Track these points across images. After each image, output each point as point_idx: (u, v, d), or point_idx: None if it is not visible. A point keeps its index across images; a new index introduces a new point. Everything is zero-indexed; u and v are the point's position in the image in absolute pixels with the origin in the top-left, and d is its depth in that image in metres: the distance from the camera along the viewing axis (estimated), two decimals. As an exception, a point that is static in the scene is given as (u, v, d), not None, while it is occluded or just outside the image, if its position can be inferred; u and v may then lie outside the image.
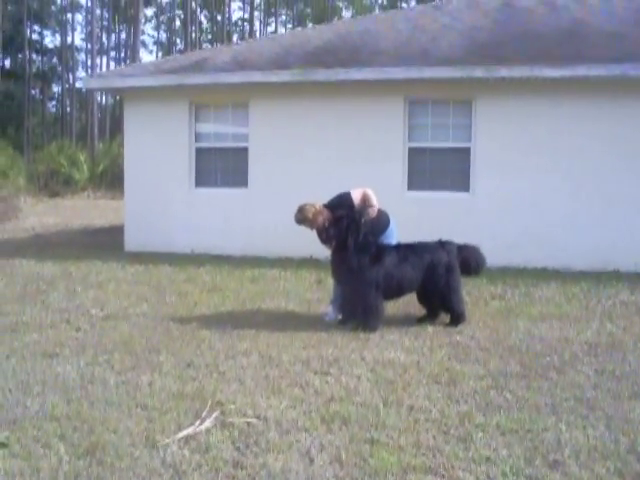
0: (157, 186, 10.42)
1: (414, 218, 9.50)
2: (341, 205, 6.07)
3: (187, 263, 9.33)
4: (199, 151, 10.38)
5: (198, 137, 10.40)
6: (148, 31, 62.53)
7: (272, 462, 3.16)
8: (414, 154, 9.63)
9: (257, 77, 9.56)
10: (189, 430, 3.53)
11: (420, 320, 6.14)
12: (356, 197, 6.14)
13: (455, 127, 9.50)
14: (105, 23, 51.51)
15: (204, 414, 3.73)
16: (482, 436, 3.48)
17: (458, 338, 5.55)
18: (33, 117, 44.37)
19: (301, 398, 4.04)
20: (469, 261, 6.12)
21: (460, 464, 3.15)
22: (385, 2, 55.78)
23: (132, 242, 10.55)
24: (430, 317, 6.16)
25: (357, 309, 5.85)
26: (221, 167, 10.38)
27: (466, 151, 9.44)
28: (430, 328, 5.87)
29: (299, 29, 37.86)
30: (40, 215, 18.02)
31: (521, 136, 9.18)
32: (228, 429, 3.56)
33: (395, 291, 5.93)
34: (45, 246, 11.31)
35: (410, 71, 9.05)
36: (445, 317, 6.14)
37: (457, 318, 6.00)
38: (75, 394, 4.09)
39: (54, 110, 53.23)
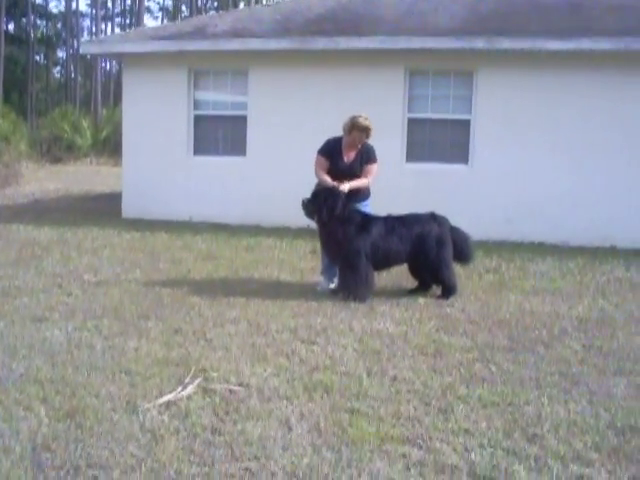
0: (155, 153, 10.36)
1: (412, 190, 9.49)
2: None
3: (184, 231, 9.32)
4: (198, 118, 10.29)
5: (197, 104, 10.30)
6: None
7: (250, 429, 3.16)
8: (413, 125, 9.53)
9: (256, 44, 9.43)
10: (170, 396, 3.53)
11: (412, 292, 6.13)
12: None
13: (455, 99, 9.39)
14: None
15: (187, 380, 3.74)
16: (463, 408, 3.48)
17: (448, 310, 5.54)
18: (37, 83, 44.10)
19: (285, 366, 4.04)
20: (455, 248, 6.06)
21: (439, 435, 3.16)
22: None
23: (130, 209, 10.53)
24: (422, 289, 6.15)
25: (346, 279, 5.84)
26: (220, 135, 10.30)
27: (466, 123, 9.34)
28: (421, 300, 5.86)
29: None
30: (41, 181, 17.97)
31: (522, 109, 9.07)
32: (209, 396, 3.56)
33: (382, 262, 5.90)
34: (43, 212, 11.30)
35: (411, 41, 8.92)
36: (437, 289, 6.13)
37: (448, 291, 5.98)
38: (61, 358, 4.09)
39: (59, 76, 52.88)
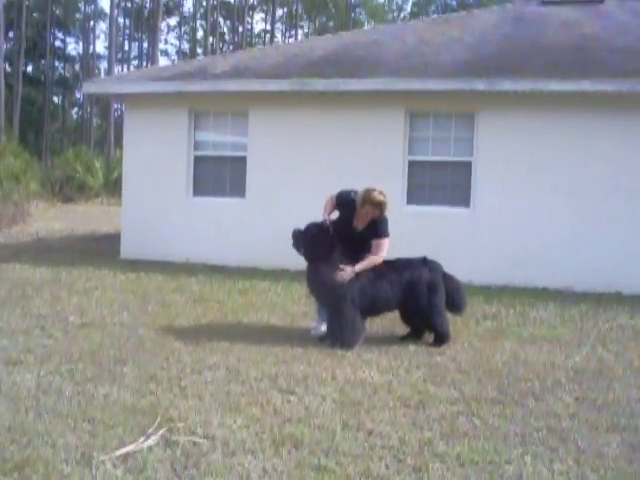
0: (155, 194, 10.32)
1: (412, 233, 9.30)
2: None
3: (180, 272, 9.20)
4: (198, 159, 10.27)
5: (197, 145, 10.29)
6: (171, 40, 63.05)
7: (208, 487, 2.97)
8: (414, 168, 9.43)
9: (255, 86, 9.44)
10: (130, 447, 3.35)
11: (403, 339, 5.92)
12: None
13: (457, 141, 9.30)
14: (128, 32, 52.08)
15: (150, 431, 3.56)
16: (439, 467, 3.26)
17: (438, 359, 5.32)
18: (53, 123, 44.85)
19: (257, 418, 3.85)
20: (447, 296, 5.85)
21: (408, 496, 2.94)
22: (408, 17, 55.85)
23: (128, 250, 10.45)
24: (414, 336, 5.94)
25: (333, 324, 5.65)
26: (219, 176, 10.26)
27: (467, 165, 9.23)
28: (412, 347, 5.65)
29: (305, 38, 37.91)
30: (48, 220, 18.03)
31: (524, 151, 8.95)
32: (171, 448, 3.37)
33: (371, 308, 5.70)
34: (43, 251, 11.25)
35: (411, 82, 8.88)
36: (429, 336, 5.92)
37: (440, 338, 5.77)
38: (25, 404, 3.93)
39: (76, 117, 53.83)
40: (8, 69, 39.70)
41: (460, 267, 9.13)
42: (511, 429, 3.80)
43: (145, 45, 52.83)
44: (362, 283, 5.59)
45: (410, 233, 9.29)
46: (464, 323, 6.64)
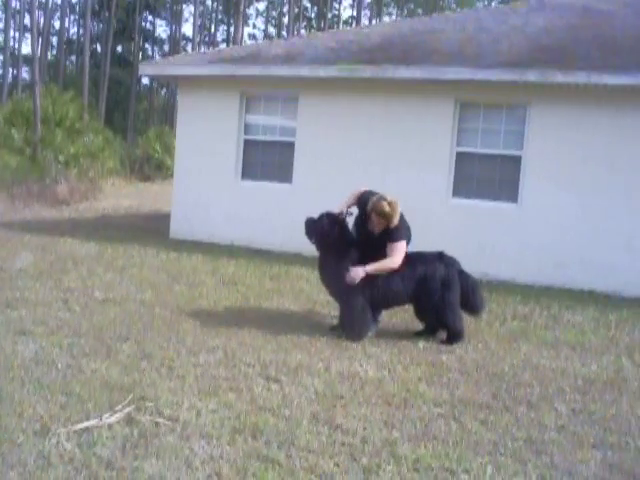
0: (205, 175, 10.48)
1: (457, 226, 9.10)
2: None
3: (222, 254, 9.31)
4: (248, 143, 10.34)
5: (247, 129, 10.36)
6: (259, 25, 63.70)
7: (147, 467, 3.00)
8: (462, 159, 9.14)
9: (305, 71, 9.38)
10: (92, 422, 3.42)
11: (417, 334, 5.77)
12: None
13: (507, 133, 8.93)
14: (216, 15, 53.01)
15: (118, 408, 3.62)
16: (391, 469, 3.16)
17: (444, 358, 5.16)
18: (141, 103, 46.36)
19: (230, 404, 3.85)
20: (462, 296, 5.64)
21: (346, 497, 2.87)
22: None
23: (178, 230, 10.68)
24: (428, 332, 5.78)
25: (342, 316, 5.58)
26: (268, 161, 10.29)
27: (517, 159, 8.86)
28: (422, 344, 5.49)
29: (365, 25, 37.34)
30: (120, 197, 18.65)
31: (577, 147, 8.50)
32: (131, 426, 3.42)
33: (380, 301, 5.58)
34: (100, 227, 11.66)
35: (460, 72, 8.59)
36: (444, 333, 5.74)
37: (453, 336, 5.58)
38: (15, 373, 4.09)
39: (164, 98, 55.38)
40: (98, 50, 41.39)
41: (504, 264, 8.91)
42: (487, 437, 3.64)
43: (232, 29, 53.60)
44: (373, 276, 5.47)
45: (454, 227, 9.10)
46: (489, 322, 6.42)
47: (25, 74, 43.45)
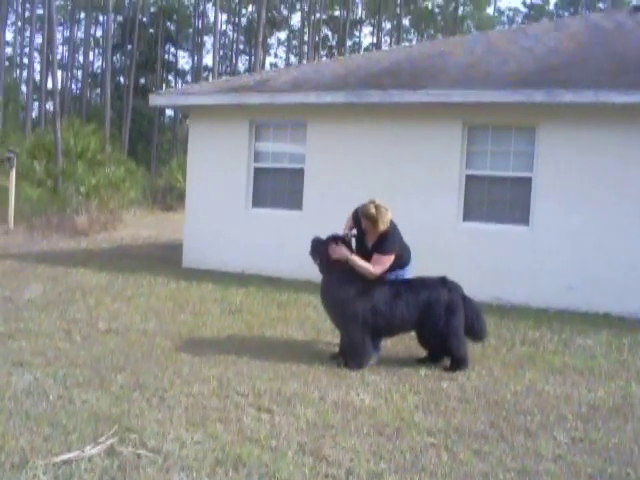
0: (215, 204, 10.52)
1: (468, 251, 8.99)
2: None
3: (231, 283, 9.29)
4: (258, 171, 10.38)
5: (257, 157, 10.41)
6: (280, 54, 64.54)
7: (122, 502, 2.94)
8: (471, 182, 9.05)
9: (311, 98, 9.42)
10: (73, 454, 3.38)
11: (420, 361, 5.65)
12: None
13: (517, 155, 8.84)
14: (237, 46, 53.86)
15: (101, 439, 3.58)
16: (372, 502, 3.06)
17: (444, 385, 5.03)
18: (164, 134, 47.05)
19: (216, 435, 3.78)
20: (467, 322, 5.53)
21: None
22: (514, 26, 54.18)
23: (190, 259, 10.71)
24: (431, 359, 5.66)
25: (344, 344, 5.50)
26: (278, 188, 10.31)
27: (527, 181, 8.74)
28: (423, 371, 5.38)
29: (374, 51, 37.56)
30: (139, 227, 18.83)
31: (588, 167, 8.37)
32: (112, 458, 3.37)
33: (384, 329, 5.48)
34: (115, 257, 11.74)
35: (466, 95, 8.55)
36: (448, 360, 5.62)
37: (457, 363, 5.46)
38: (4, 405, 4.07)
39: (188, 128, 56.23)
40: (122, 82, 42.24)
41: (517, 288, 8.76)
42: (478, 467, 3.52)
43: (253, 59, 54.41)
44: (375, 303, 5.39)
45: (465, 251, 8.98)
46: (496, 348, 6.28)
47: (51, 106, 44.43)
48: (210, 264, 10.42)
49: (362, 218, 5.45)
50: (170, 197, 29.28)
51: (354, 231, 5.87)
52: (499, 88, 8.51)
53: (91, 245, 13.78)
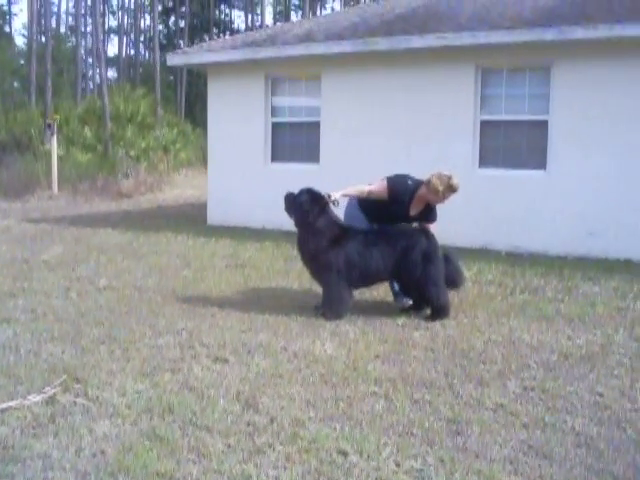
0: (236, 161, 10.57)
1: (485, 198, 8.75)
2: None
3: (249, 239, 9.37)
4: (275, 126, 10.33)
5: (274, 111, 10.34)
6: (336, 7, 63.30)
7: (38, 446, 3.07)
8: (486, 128, 8.73)
9: (321, 48, 9.24)
10: (13, 403, 3.53)
11: (404, 311, 5.59)
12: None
13: (531, 98, 8.44)
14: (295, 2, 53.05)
15: (45, 389, 3.72)
16: (281, 449, 3.07)
17: (417, 335, 4.97)
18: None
19: (160, 384, 3.87)
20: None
21: (215, 477, 2.82)
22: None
23: (214, 216, 10.85)
24: (415, 309, 5.59)
25: (323, 295, 5.48)
26: (296, 142, 10.25)
27: (543, 124, 8.35)
28: (401, 320, 5.32)
29: None
30: (186, 188, 19.10)
31: (606, 106, 7.91)
32: (47, 407, 3.51)
33: (360, 279, 5.42)
34: (147, 218, 11.99)
35: (475, 36, 8.18)
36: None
37: (437, 312, 5.37)
38: (-26, 357, 4.29)
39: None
40: (179, 45, 42.49)
41: (535, 235, 8.48)
42: (409, 417, 3.47)
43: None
44: (348, 253, 5.34)
45: (482, 198, 8.74)
46: (492, 296, 6.16)
47: (110, 72, 45.32)
48: (232, 221, 10.53)
49: (448, 192, 5.34)
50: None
51: (340, 199, 5.71)
52: (509, 27, 8.09)
53: (131, 207, 14.13)
